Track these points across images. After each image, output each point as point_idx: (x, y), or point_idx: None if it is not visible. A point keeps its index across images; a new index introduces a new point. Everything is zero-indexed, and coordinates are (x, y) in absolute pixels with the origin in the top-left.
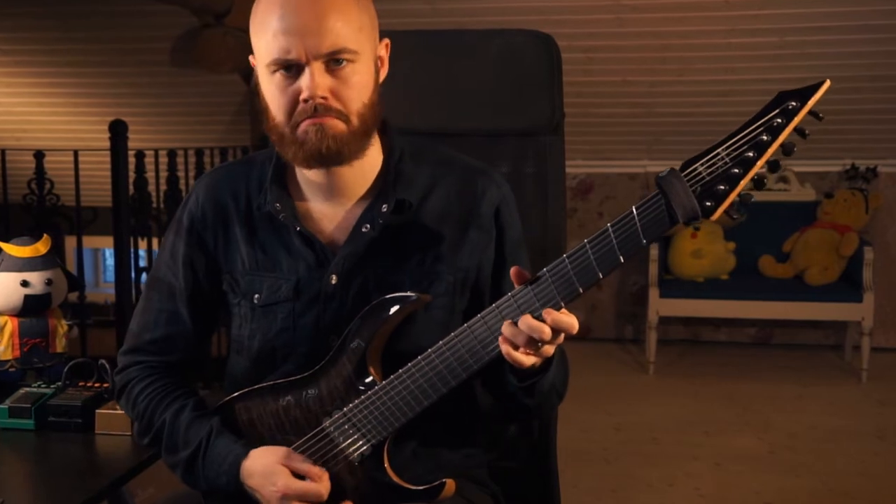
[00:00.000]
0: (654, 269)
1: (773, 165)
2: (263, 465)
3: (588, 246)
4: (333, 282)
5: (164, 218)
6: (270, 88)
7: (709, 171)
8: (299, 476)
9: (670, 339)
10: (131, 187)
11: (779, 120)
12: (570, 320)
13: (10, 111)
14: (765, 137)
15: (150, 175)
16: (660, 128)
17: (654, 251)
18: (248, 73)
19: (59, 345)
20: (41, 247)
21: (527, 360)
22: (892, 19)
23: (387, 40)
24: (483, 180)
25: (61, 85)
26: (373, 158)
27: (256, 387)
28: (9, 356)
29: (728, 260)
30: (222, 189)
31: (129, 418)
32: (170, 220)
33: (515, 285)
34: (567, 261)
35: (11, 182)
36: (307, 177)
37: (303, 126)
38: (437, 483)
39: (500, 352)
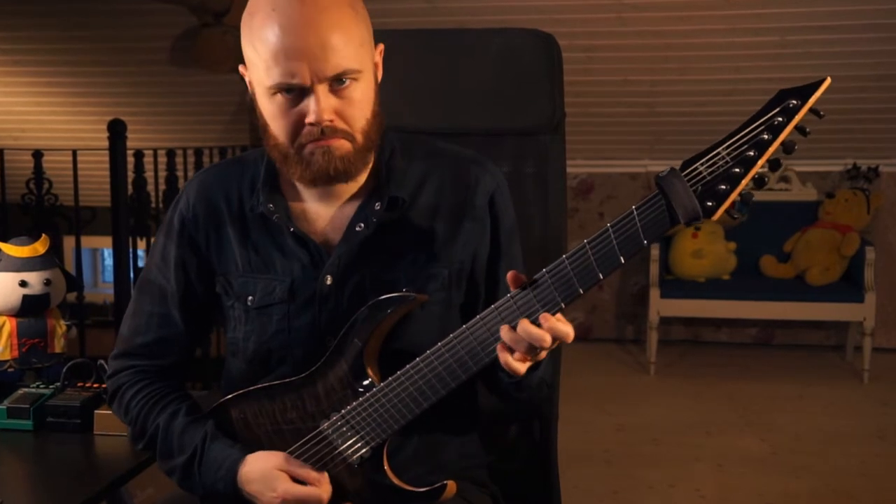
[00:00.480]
0: (654, 270)
1: (773, 164)
2: (261, 470)
3: (588, 246)
4: (328, 282)
5: (163, 218)
6: (271, 109)
7: (709, 170)
8: (299, 481)
9: (671, 340)
10: (130, 187)
11: (779, 119)
12: (566, 328)
13: (8, 111)
14: (765, 136)
15: (149, 175)
16: (661, 127)
17: (654, 251)
18: None
19: (58, 345)
20: (39, 247)
21: (522, 367)
22: (894, 18)
23: (381, 45)
24: (476, 170)
25: (60, 84)
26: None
27: (252, 388)
28: (7, 356)
29: (729, 260)
30: (214, 190)
31: (124, 423)
32: (165, 217)
33: (511, 289)
34: (567, 261)
35: (10, 182)
36: None
37: (308, 148)
38: (438, 485)
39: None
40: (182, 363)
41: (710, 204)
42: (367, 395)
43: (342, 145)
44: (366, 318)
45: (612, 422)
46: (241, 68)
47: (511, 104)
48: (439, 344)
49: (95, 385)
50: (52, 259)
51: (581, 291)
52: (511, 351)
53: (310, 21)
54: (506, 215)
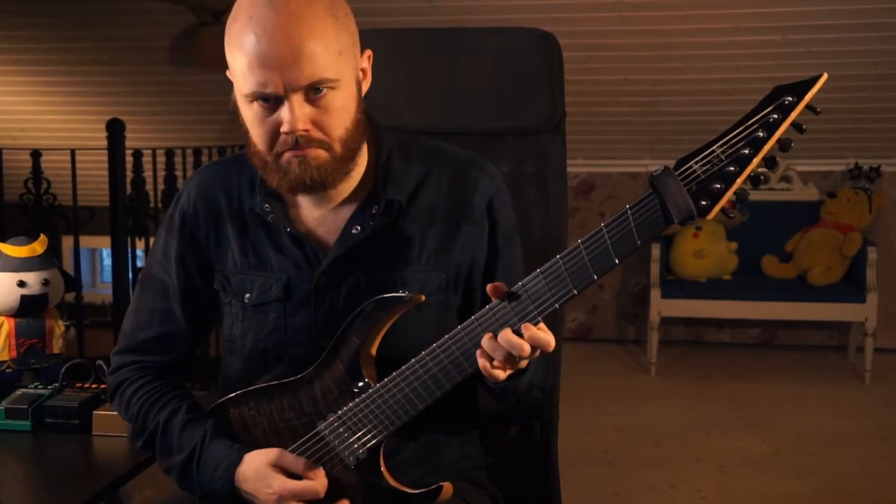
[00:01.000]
0: (655, 270)
1: (770, 162)
2: (256, 469)
3: (582, 247)
4: (324, 283)
5: (162, 217)
6: (249, 116)
7: (704, 169)
8: (295, 476)
9: (672, 340)
10: (129, 187)
11: (775, 116)
12: (546, 337)
13: (6, 110)
14: (761, 134)
15: (148, 174)
16: (662, 127)
17: (655, 251)
18: None
19: (56, 345)
20: (38, 247)
21: (501, 374)
22: None
23: (369, 52)
24: (475, 172)
25: (58, 84)
26: (360, 161)
27: (250, 389)
28: (5, 357)
29: (730, 260)
30: (213, 186)
31: (124, 419)
32: (166, 214)
33: (492, 299)
34: (561, 262)
35: (8, 181)
36: None
37: (285, 157)
38: (434, 486)
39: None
40: (183, 360)
41: (704, 203)
42: (364, 395)
43: (319, 155)
44: (363, 318)
45: (613, 422)
46: (228, 73)
47: (511, 103)
48: (434, 344)
49: (94, 386)
50: (50, 259)
51: (575, 292)
52: (490, 358)
53: (284, 29)
54: (504, 218)
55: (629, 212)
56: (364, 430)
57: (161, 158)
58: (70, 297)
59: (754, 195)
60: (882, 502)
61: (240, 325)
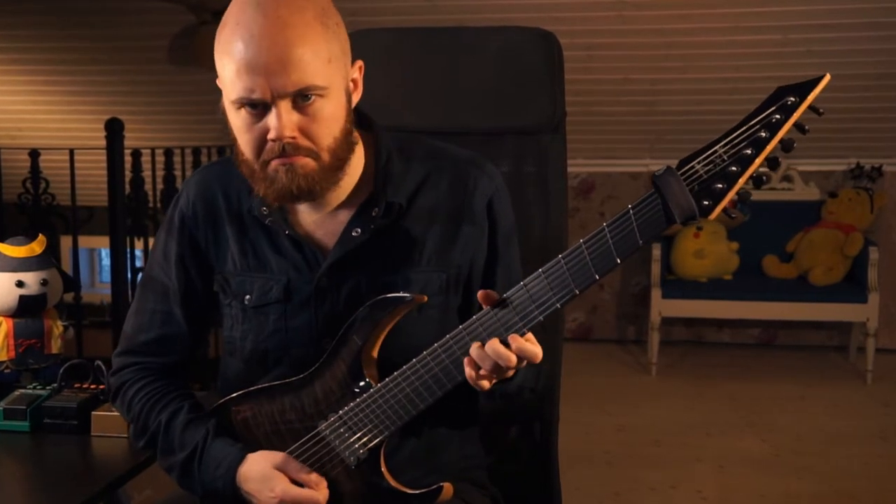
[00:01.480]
0: (656, 270)
1: (772, 163)
2: (260, 470)
3: (584, 246)
4: (324, 284)
5: (161, 217)
6: (237, 123)
7: (706, 169)
8: (298, 483)
9: (673, 340)
10: (127, 186)
11: (777, 116)
12: (534, 349)
13: (5, 109)
14: (763, 134)
15: (147, 174)
16: (662, 126)
17: (656, 251)
18: None
19: (55, 346)
20: (36, 247)
21: (486, 384)
22: None
23: (360, 62)
24: (475, 172)
25: (57, 83)
26: (355, 159)
27: (252, 389)
28: (4, 357)
29: (731, 260)
30: (212, 187)
31: (126, 420)
32: (166, 215)
33: (484, 307)
34: (563, 261)
35: (6, 181)
36: None
37: (272, 165)
38: (434, 487)
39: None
40: (184, 361)
41: (706, 203)
42: (365, 396)
43: (306, 164)
44: (364, 318)
45: (614, 422)
46: (217, 81)
47: (511, 103)
48: (436, 344)
49: (93, 386)
50: (48, 259)
51: (577, 292)
52: (477, 367)
53: (271, 35)
54: (504, 219)
55: (631, 211)
56: (365, 430)
57: (160, 158)
58: (69, 297)
59: (755, 195)
60: (882, 502)
61: (240, 327)
